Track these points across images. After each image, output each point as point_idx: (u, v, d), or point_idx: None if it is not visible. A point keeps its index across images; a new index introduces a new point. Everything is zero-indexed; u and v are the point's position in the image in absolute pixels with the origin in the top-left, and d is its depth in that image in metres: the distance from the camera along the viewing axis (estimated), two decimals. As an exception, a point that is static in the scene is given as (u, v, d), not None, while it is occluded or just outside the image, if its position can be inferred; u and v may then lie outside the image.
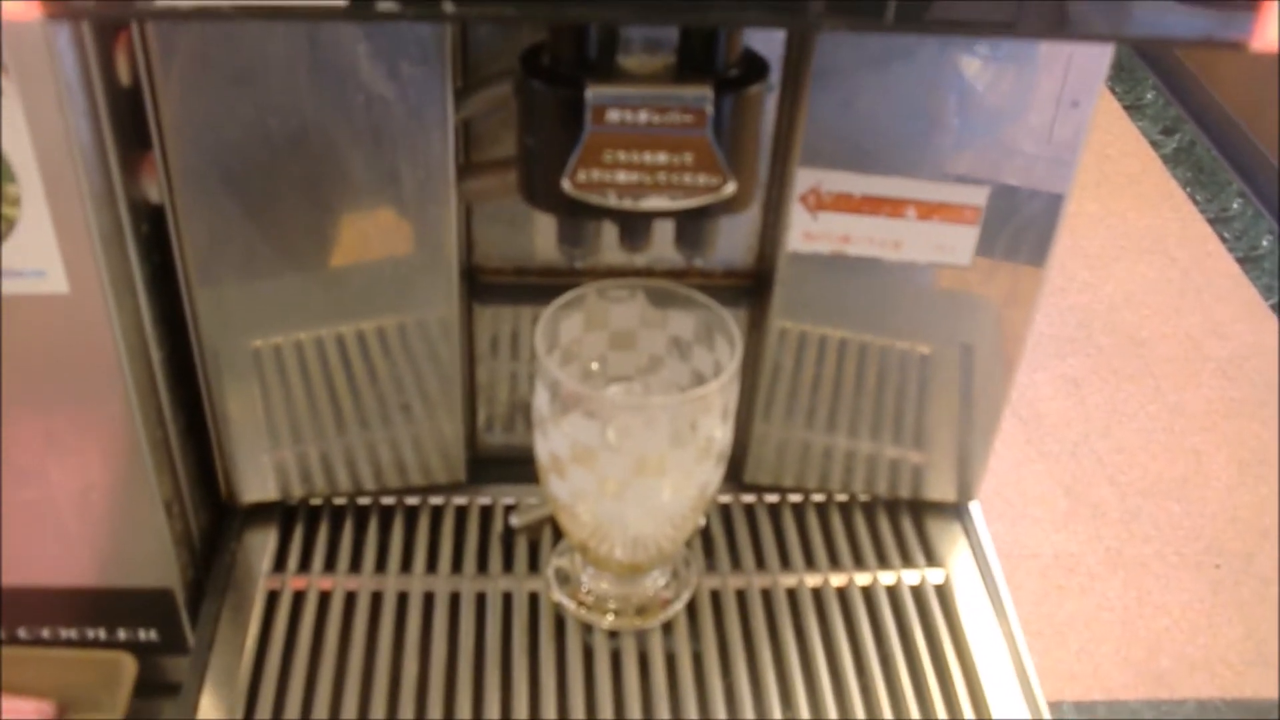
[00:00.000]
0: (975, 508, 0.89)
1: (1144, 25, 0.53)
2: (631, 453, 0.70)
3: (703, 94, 0.60)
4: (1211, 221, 2.52)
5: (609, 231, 0.69)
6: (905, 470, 0.87)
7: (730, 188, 0.61)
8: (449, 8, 0.51)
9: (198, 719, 0.73)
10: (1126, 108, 2.84)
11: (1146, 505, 1.97)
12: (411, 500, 0.87)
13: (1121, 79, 2.95)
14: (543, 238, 0.81)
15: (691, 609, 0.80)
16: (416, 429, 0.83)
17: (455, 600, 0.80)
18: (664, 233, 0.69)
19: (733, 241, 0.81)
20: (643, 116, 0.60)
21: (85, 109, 0.64)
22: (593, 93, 0.59)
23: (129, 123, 0.68)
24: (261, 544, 0.84)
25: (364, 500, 0.86)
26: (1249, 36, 0.53)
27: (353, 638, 0.78)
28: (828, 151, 0.73)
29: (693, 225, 0.67)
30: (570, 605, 0.79)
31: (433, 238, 0.74)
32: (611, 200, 0.61)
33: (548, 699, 0.74)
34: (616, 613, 0.79)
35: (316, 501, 0.86)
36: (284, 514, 0.86)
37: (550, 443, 0.72)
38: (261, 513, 0.85)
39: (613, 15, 0.56)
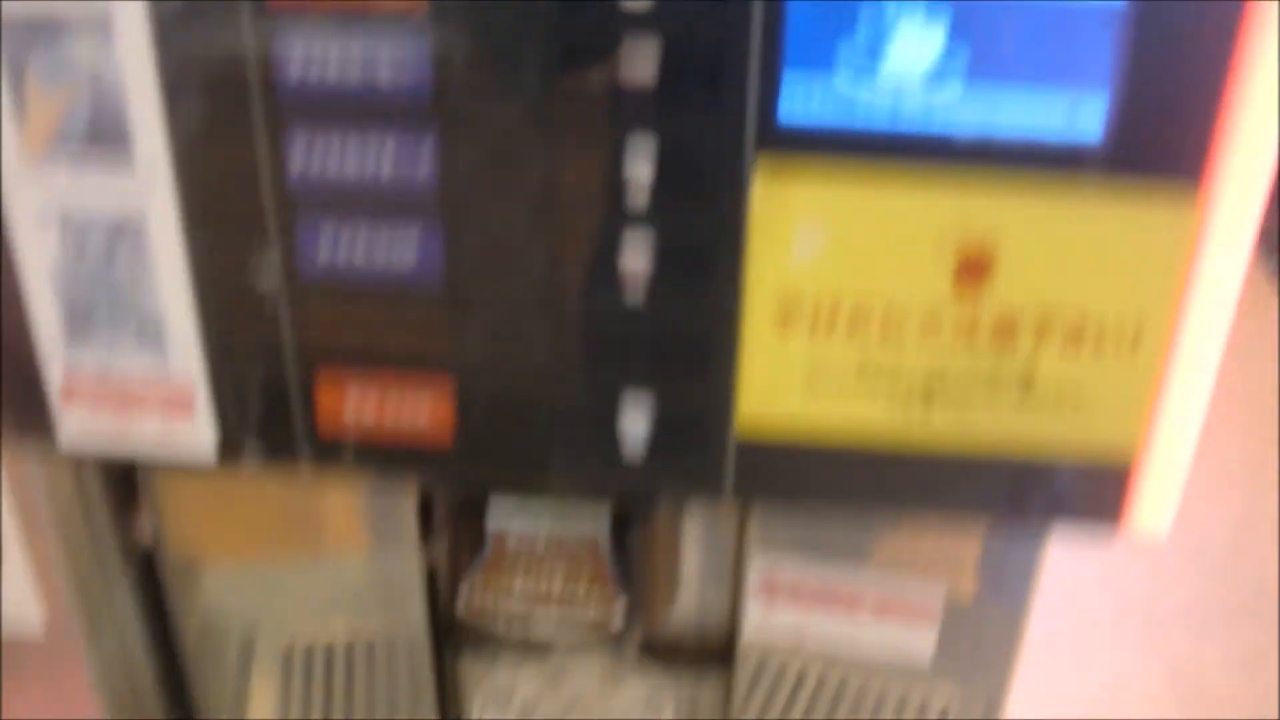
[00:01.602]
0: None
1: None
2: None
3: (599, 527, 0.61)
4: None
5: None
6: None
7: (619, 611, 0.62)
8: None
9: None
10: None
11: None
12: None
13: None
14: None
15: None
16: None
17: None
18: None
19: (706, 610, 0.81)
20: (539, 543, 0.62)
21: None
22: (493, 518, 0.62)
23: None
24: None
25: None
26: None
27: None
28: (782, 536, 0.72)
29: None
30: None
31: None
32: (500, 627, 0.63)
33: None
34: None
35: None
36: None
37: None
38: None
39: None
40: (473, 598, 0.62)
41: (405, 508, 0.73)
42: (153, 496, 0.74)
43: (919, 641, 0.73)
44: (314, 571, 0.79)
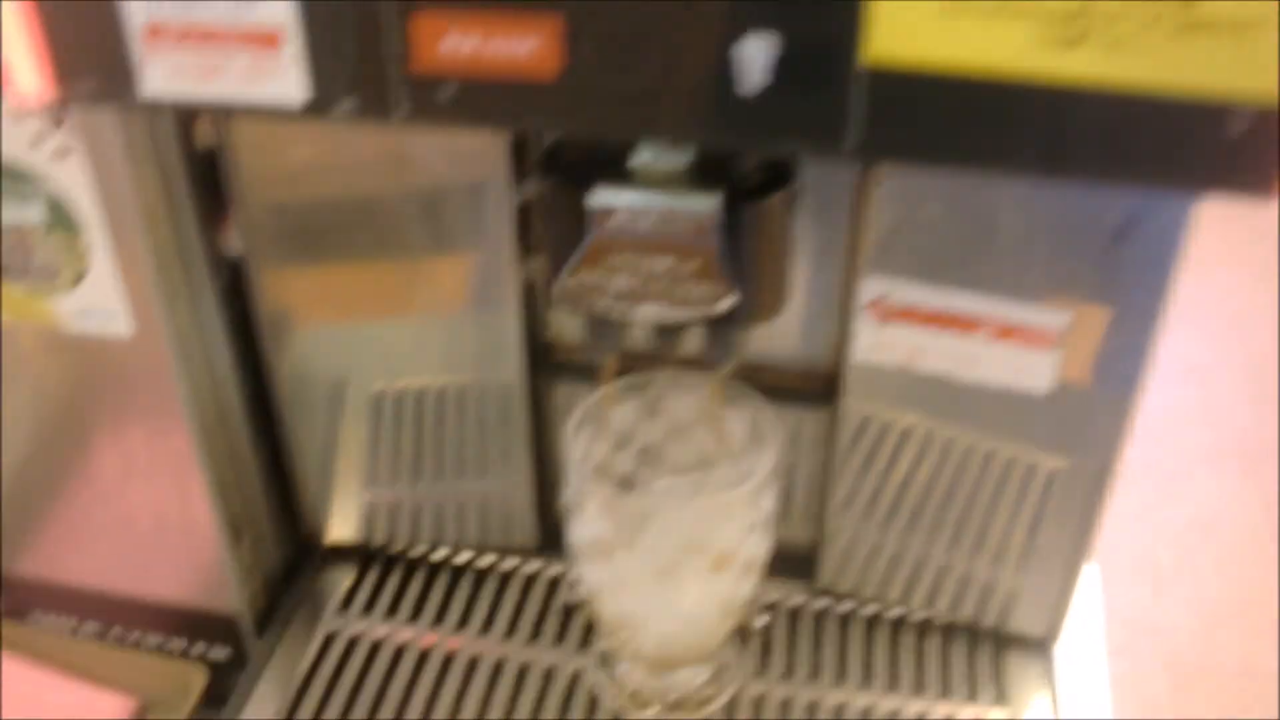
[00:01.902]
0: (1063, 648, 0.81)
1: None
2: (645, 554, 0.67)
3: (711, 204, 0.57)
4: None
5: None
6: (994, 595, 0.81)
7: (727, 302, 0.58)
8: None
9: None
10: None
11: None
12: (484, 561, 0.87)
13: None
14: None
15: (729, 711, 0.77)
16: (490, 489, 0.83)
17: (498, 668, 0.80)
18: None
19: (812, 341, 0.77)
20: (647, 223, 0.58)
21: (154, 168, 0.67)
22: (597, 196, 0.58)
23: (210, 181, 0.71)
24: (334, 584, 0.86)
25: (439, 555, 0.87)
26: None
27: (390, 690, 0.78)
28: (897, 260, 0.68)
29: (713, 333, 0.64)
30: (606, 690, 0.78)
31: (497, 312, 0.74)
32: (602, 305, 0.59)
33: (557, 785, 0.73)
34: (650, 704, 0.77)
35: (396, 549, 0.88)
36: (363, 558, 0.87)
37: (575, 531, 0.70)
38: (341, 554, 0.87)
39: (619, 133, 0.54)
40: (573, 279, 0.58)
41: (499, 219, 0.70)
42: (242, 207, 0.71)
43: (1039, 365, 0.69)
44: (408, 326, 0.77)
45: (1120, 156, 0.47)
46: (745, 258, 0.59)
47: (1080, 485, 0.74)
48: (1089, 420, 0.72)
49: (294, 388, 0.80)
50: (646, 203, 0.57)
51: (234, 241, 0.73)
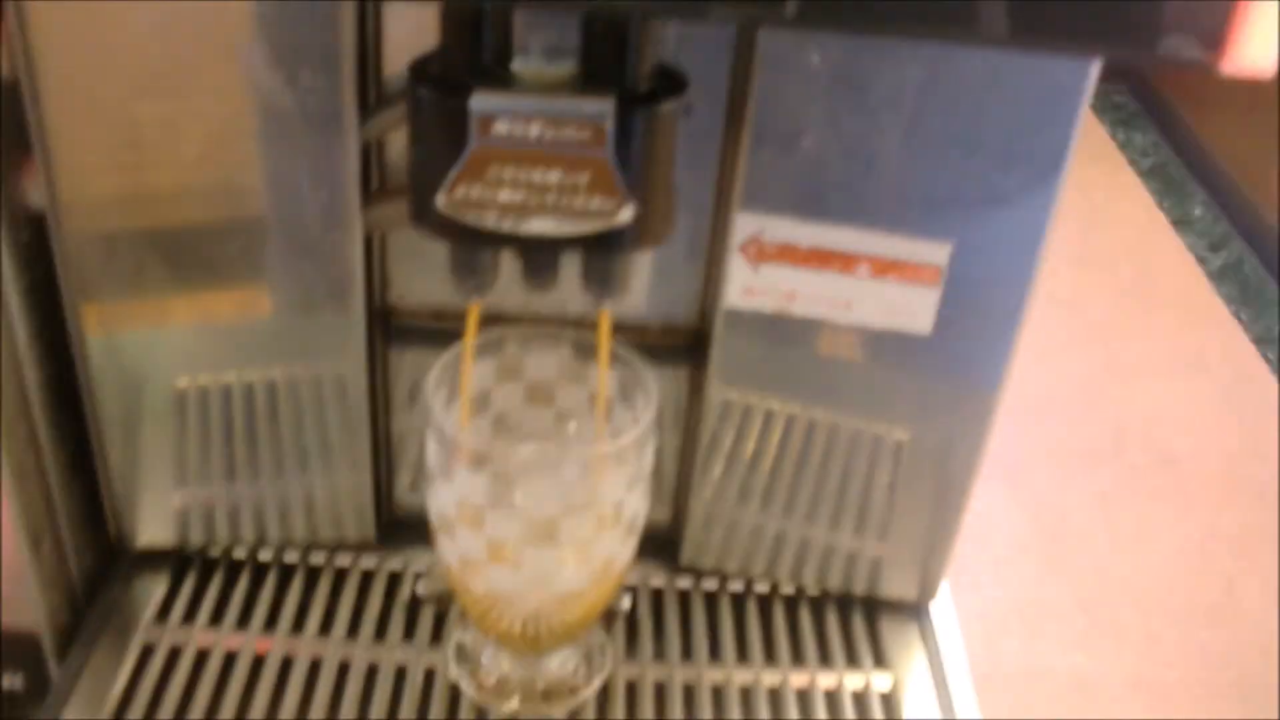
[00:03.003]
0: (937, 609, 0.78)
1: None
2: (522, 515, 0.61)
3: (603, 108, 0.52)
4: (1256, 341, 2.39)
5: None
6: (861, 564, 0.77)
7: (626, 214, 0.53)
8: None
9: (34, 781, 0.65)
10: (1174, 222, 2.73)
11: (1171, 631, 1.83)
12: (316, 559, 0.78)
13: (1170, 193, 2.84)
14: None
15: (602, 699, 0.70)
16: (324, 482, 0.75)
17: (344, 669, 0.71)
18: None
19: (672, 293, 0.72)
20: (534, 130, 0.52)
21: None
22: (479, 101, 0.52)
23: (10, 119, 0.61)
24: (148, 593, 0.75)
25: (265, 555, 0.78)
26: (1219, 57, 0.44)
27: (224, 701, 0.69)
28: (772, 194, 0.64)
29: (598, 260, 0.58)
30: (467, 685, 0.70)
31: (338, 271, 0.67)
32: (490, 221, 0.53)
33: (423, 788, 0.65)
34: (517, 696, 0.69)
35: (215, 552, 0.78)
36: (178, 563, 0.77)
37: (438, 499, 0.63)
38: (153, 560, 0.77)
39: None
40: (452, 194, 0.52)
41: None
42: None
43: (920, 304, 0.66)
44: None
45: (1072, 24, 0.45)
46: (636, 171, 0.53)
47: (950, 448, 0.72)
48: (959, 377, 0.69)
49: (100, 372, 0.70)
50: (533, 106, 0.52)
51: (36, 191, 0.64)
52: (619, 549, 0.64)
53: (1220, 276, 2.57)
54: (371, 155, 0.66)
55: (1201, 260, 2.62)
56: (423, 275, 0.72)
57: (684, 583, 0.78)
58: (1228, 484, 2.08)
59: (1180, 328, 2.43)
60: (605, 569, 0.64)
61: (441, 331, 0.72)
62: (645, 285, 0.72)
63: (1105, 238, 2.67)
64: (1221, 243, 2.66)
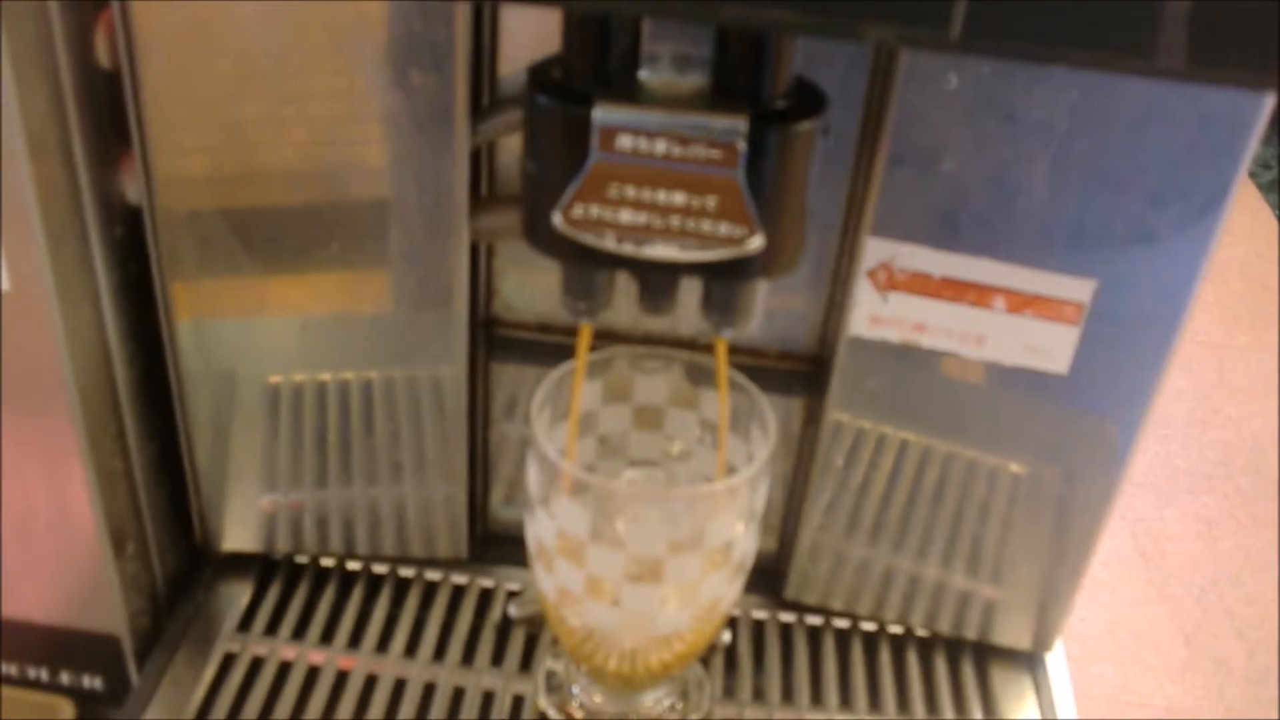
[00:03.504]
0: (1054, 660, 0.73)
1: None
2: (626, 552, 0.57)
3: (735, 125, 0.47)
4: (1376, 365, 2.29)
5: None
6: (974, 607, 0.72)
7: (756, 241, 0.49)
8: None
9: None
10: (1293, 237, 2.63)
11: (1277, 667, 1.75)
12: (405, 572, 0.75)
13: (1290, 207, 2.73)
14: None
15: (697, 738, 0.67)
16: (417, 493, 0.71)
17: (428, 693, 0.68)
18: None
19: (792, 318, 0.68)
20: (660, 146, 0.48)
21: (47, 89, 0.55)
22: (602, 112, 0.48)
23: (108, 112, 0.59)
24: (232, 599, 0.73)
25: (354, 565, 0.75)
26: None
27: (304, 717, 0.66)
28: (904, 220, 0.59)
29: (721, 288, 0.54)
30: (556, 716, 0.66)
31: (441, 278, 0.63)
32: (609, 243, 0.49)
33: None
34: (608, 732, 0.66)
35: (302, 559, 0.75)
36: (263, 568, 0.74)
37: (537, 527, 0.59)
38: (239, 564, 0.74)
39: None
40: (569, 211, 0.48)
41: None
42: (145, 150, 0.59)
43: (1058, 342, 0.61)
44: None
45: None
46: (768, 195, 0.49)
47: (1080, 492, 0.67)
48: (1095, 417, 0.64)
49: (192, 369, 0.67)
50: (660, 121, 0.48)
51: (133, 186, 0.61)
52: (725, 589, 0.60)
53: (1340, 296, 2.46)
54: (482, 160, 0.63)
55: (1321, 277, 2.51)
56: (530, 286, 0.68)
57: (787, 617, 0.74)
58: (1340, 514, 1.99)
59: (1295, 348, 2.33)
60: (710, 610, 0.60)
61: (546, 345, 0.69)
62: (763, 307, 0.67)
63: (1220, 251, 2.56)
64: (1343, 260, 2.55)
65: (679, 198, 0.48)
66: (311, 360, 0.67)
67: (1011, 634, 0.73)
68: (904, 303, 0.61)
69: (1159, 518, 1.97)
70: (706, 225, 0.49)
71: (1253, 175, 2.79)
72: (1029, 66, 0.54)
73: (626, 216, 0.49)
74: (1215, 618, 1.82)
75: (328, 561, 0.75)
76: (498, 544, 0.75)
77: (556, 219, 0.49)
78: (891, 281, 0.61)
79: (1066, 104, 0.55)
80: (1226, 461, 2.08)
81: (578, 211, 0.49)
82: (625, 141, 0.48)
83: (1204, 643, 1.78)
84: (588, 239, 0.49)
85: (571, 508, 0.57)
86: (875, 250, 0.60)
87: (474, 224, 0.61)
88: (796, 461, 0.71)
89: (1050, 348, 0.62)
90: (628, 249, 0.49)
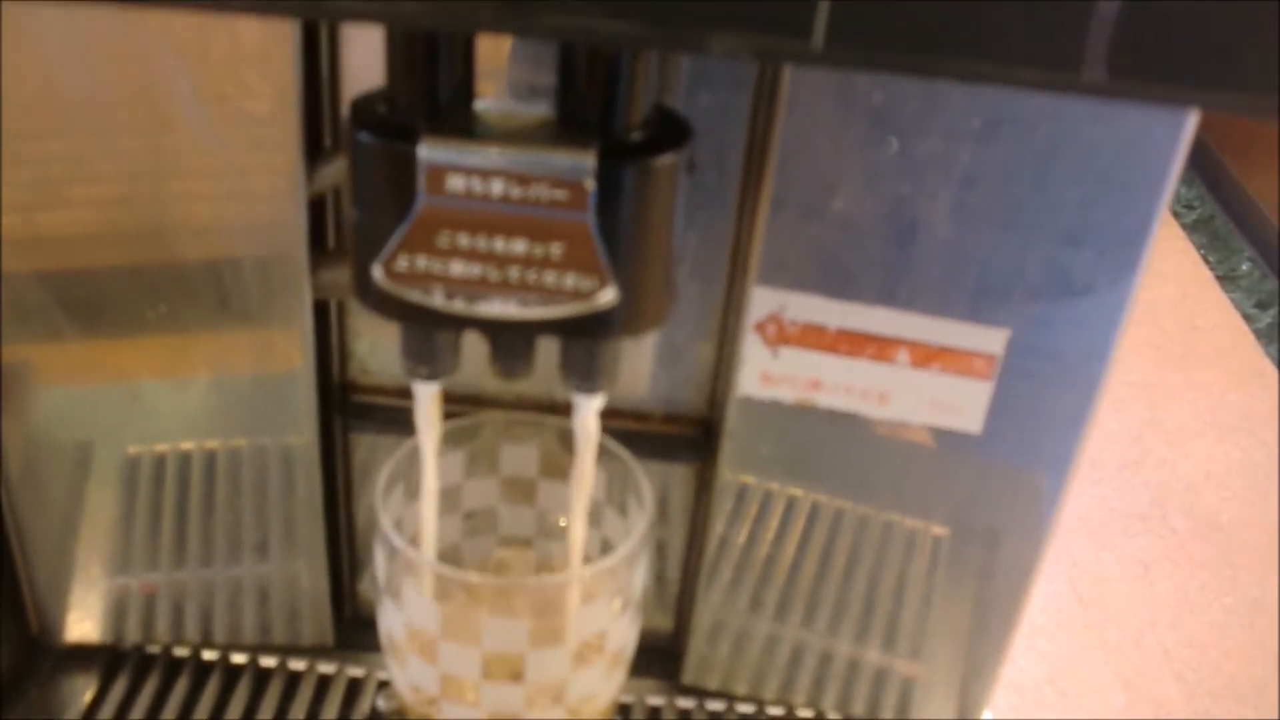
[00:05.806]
0: (981, 738, 0.65)
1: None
2: (482, 648, 0.49)
3: (582, 161, 0.40)
4: (1306, 404, 2.24)
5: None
6: (891, 684, 0.64)
7: (609, 295, 0.41)
8: None
9: None
10: (1219, 278, 2.59)
11: (1216, 708, 1.69)
12: (267, 661, 0.66)
13: (1215, 248, 2.70)
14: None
15: (583, 847, 0.58)
16: (275, 575, 0.63)
17: (285, 801, 0.59)
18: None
19: (677, 376, 0.60)
20: (497, 187, 0.40)
21: None
22: (428, 150, 0.40)
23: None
24: (74, 695, 0.64)
25: (210, 655, 0.66)
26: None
27: (143, 838, 0.57)
28: (793, 266, 0.52)
29: (578, 347, 0.46)
30: (425, 826, 0.58)
31: (283, 340, 0.55)
32: (438, 299, 0.41)
33: None
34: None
35: (153, 649, 0.66)
36: (110, 661, 0.65)
37: (388, 620, 0.51)
38: (82, 656, 0.65)
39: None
40: (393, 264, 0.40)
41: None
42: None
43: (969, 398, 0.54)
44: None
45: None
46: (624, 241, 0.41)
47: (1002, 557, 0.59)
48: (1015, 476, 0.57)
49: (25, 446, 0.59)
50: (495, 158, 0.40)
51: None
52: (601, 685, 0.52)
53: (1268, 335, 2.42)
54: (327, 209, 0.55)
55: (1248, 317, 2.47)
56: (386, 347, 0.60)
57: (686, 703, 0.66)
58: (1276, 552, 1.94)
59: (1226, 388, 2.28)
60: (585, 706, 0.52)
61: (407, 411, 0.61)
62: (647, 366, 0.60)
63: (1147, 293, 2.52)
64: (1269, 300, 2.51)
65: (519, 246, 0.41)
66: (147, 432, 0.58)
67: (933, 710, 0.65)
68: (797, 358, 0.54)
69: (1096, 560, 1.90)
70: (550, 277, 0.41)
71: (1177, 215, 2.76)
72: (924, 90, 0.47)
73: (458, 269, 0.41)
74: (1154, 661, 1.76)
75: (181, 651, 0.66)
76: (367, 629, 0.66)
77: (377, 273, 0.41)
78: (782, 335, 0.54)
79: (969, 131, 0.48)
80: (1161, 502, 2.03)
81: (402, 264, 0.41)
82: (457, 183, 0.40)
83: (1143, 687, 1.71)
84: (413, 295, 0.41)
85: (420, 600, 0.49)
86: (763, 300, 0.53)
87: (316, 279, 0.53)
88: (690, 533, 0.63)
89: (961, 405, 0.54)
90: (459, 306, 0.41)
